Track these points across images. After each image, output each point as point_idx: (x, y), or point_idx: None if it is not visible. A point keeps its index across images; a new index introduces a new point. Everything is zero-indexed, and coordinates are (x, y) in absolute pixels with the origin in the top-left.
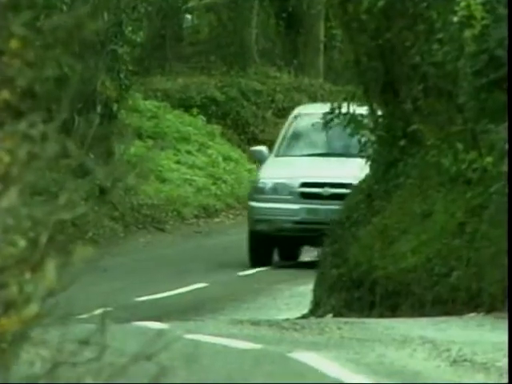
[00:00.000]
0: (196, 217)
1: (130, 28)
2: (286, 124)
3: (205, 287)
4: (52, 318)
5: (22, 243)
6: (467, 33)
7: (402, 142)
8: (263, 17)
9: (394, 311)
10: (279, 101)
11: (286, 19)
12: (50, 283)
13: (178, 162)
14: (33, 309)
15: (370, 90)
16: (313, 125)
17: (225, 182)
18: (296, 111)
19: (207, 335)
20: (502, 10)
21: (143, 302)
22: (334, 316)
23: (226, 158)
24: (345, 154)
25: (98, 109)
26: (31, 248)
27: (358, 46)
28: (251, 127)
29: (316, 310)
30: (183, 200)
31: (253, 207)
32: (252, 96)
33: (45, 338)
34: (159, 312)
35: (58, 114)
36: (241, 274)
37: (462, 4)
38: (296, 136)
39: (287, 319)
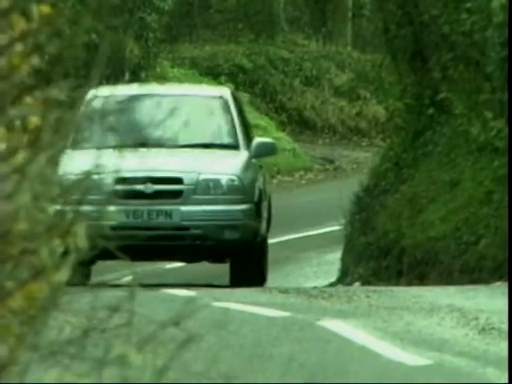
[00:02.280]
0: None
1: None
2: (80, 112)
3: None
4: (82, 284)
5: (52, 209)
6: (495, 3)
7: (431, 111)
8: None
9: (421, 280)
10: (307, 69)
11: None
12: (80, 249)
13: None
14: (63, 275)
15: (397, 58)
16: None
17: None
18: (89, 95)
19: (235, 303)
20: None
21: (171, 269)
22: (362, 284)
23: (254, 126)
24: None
25: (126, 76)
26: (61, 214)
27: (386, 14)
28: (279, 95)
29: (344, 278)
30: None
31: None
32: (280, 64)
33: (74, 305)
34: (186, 279)
35: (87, 81)
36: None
37: None
38: (98, 124)
39: (315, 287)
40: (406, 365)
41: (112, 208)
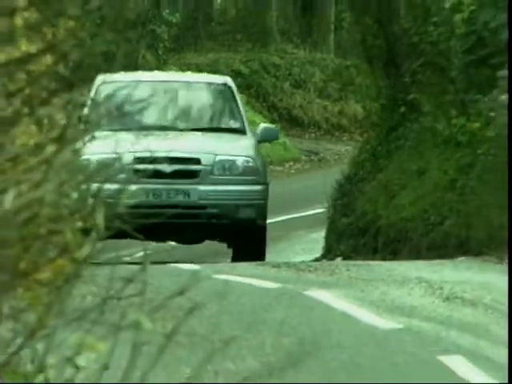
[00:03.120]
0: None
1: (167, 10)
2: (91, 95)
3: None
4: (101, 259)
5: (75, 195)
6: (457, 17)
7: (402, 110)
8: (282, 1)
9: (394, 255)
10: (295, 74)
11: (301, 3)
12: (99, 230)
13: None
14: (84, 252)
15: (373, 64)
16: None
17: None
18: (99, 79)
19: (234, 276)
20: None
21: (177, 246)
22: (343, 259)
23: (251, 123)
24: (177, 128)
25: None
26: (83, 199)
27: (364, 27)
28: (271, 96)
29: (327, 254)
30: None
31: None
32: (272, 69)
33: (95, 277)
34: (192, 255)
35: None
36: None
37: None
38: (109, 108)
39: (303, 262)
40: (380, 328)
41: (132, 187)
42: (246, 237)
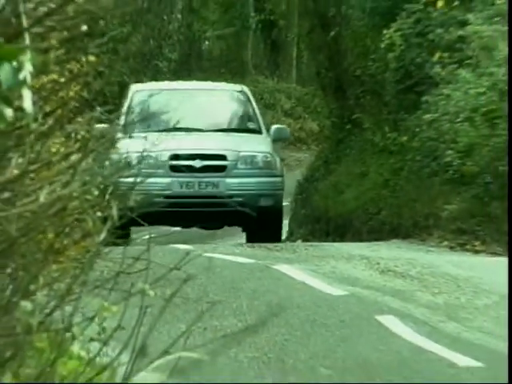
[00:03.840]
0: None
1: (167, 49)
2: (127, 102)
3: None
4: (125, 242)
5: (95, 192)
6: (390, 55)
7: (348, 126)
8: (255, 42)
9: (342, 238)
10: (266, 98)
11: (270, 44)
12: (114, 220)
13: None
14: (102, 236)
15: (326, 91)
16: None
17: None
18: (133, 88)
19: (218, 254)
20: (414, 39)
21: (175, 231)
22: (303, 241)
23: None
24: (203, 129)
25: None
26: (101, 196)
27: (318, 62)
28: None
29: (290, 237)
30: None
31: (118, 182)
32: None
33: (111, 255)
34: (186, 238)
35: (118, 107)
36: None
37: (387, 35)
38: (141, 112)
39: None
40: (331, 294)
41: (168, 180)
42: (265, 222)
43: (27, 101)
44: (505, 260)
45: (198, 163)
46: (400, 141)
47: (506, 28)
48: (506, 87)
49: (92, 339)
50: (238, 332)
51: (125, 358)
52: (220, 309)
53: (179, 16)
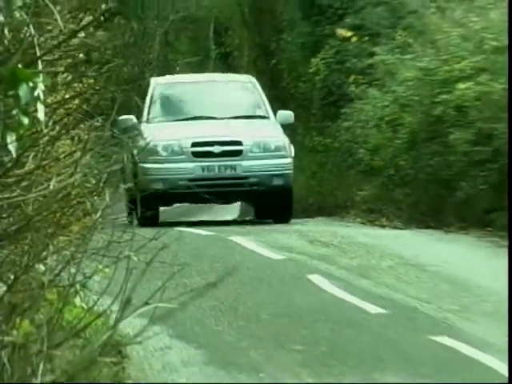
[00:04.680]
0: None
1: (148, 74)
2: (149, 94)
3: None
4: (109, 218)
5: (93, 181)
6: (317, 78)
7: (287, 132)
8: (215, 68)
9: None
10: None
11: (227, 69)
12: (107, 203)
13: None
14: (98, 215)
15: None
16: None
17: None
18: (153, 82)
19: (187, 228)
20: (334, 66)
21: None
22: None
23: None
24: (217, 117)
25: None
26: (97, 184)
27: (262, 83)
28: None
29: (242, 215)
30: None
31: (146, 168)
32: None
33: (104, 229)
34: (183, 211)
35: (110, 117)
36: None
37: (314, 63)
38: (162, 103)
39: (228, 220)
40: (272, 259)
41: (191, 165)
42: (278, 199)
43: (40, 112)
44: (404, 232)
45: (217, 149)
46: (324, 142)
47: (405, 56)
48: (406, 101)
49: (90, 293)
50: (201, 287)
51: (115, 307)
52: (188, 270)
53: (157, 48)
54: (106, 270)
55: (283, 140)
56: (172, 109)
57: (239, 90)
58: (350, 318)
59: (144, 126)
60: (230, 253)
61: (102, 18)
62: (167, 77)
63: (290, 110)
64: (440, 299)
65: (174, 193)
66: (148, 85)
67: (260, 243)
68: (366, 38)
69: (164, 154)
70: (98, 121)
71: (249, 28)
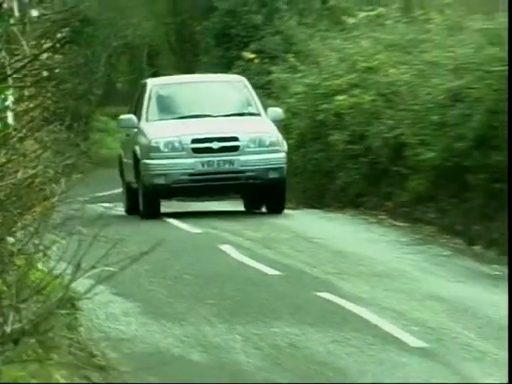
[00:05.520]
0: None
1: (95, 88)
2: (147, 94)
3: None
4: (64, 201)
5: (52, 172)
6: None
7: None
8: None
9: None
10: None
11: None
12: (62, 189)
13: None
14: (56, 198)
15: None
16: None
17: None
18: (150, 83)
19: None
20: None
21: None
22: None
23: None
24: (212, 115)
25: (82, 120)
26: (55, 175)
27: None
28: None
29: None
30: None
31: (149, 164)
32: None
33: (60, 209)
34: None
35: (65, 122)
36: None
37: None
38: (160, 103)
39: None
40: (191, 232)
41: (191, 160)
42: (273, 191)
43: (10, 118)
44: (296, 212)
45: (215, 145)
46: None
47: (295, 75)
48: (296, 110)
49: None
50: (137, 255)
51: (69, 270)
52: (127, 241)
53: (102, 68)
54: (63, 241)
55: (277, 136)
56: (169, 108)
57: (231, 89)
58: (252, 279)
59: (144, 124)
60: (160, 229)
61: (59, 45)
62: (162, 78)
63: None
64: (323, 264)
65: (175, 187)
66: (143, 88)
67: (183, 220)
68: (266, 59)
69: (165, 150)
70: (55, 126)
71: (174, 52)
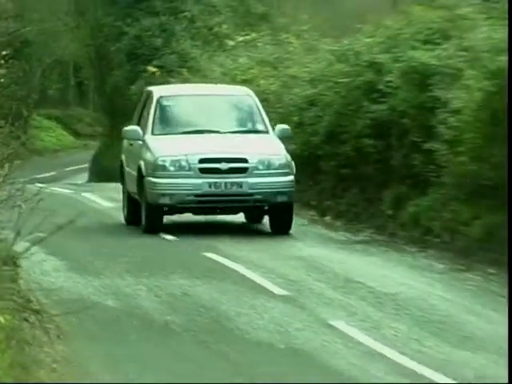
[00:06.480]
0: None
1: (32, 94)
2: (153, 106)
3: None
4: (7, 182)
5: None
6: (134, 97)
7: (115, 133)
8: (74, 91)
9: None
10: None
11: (81, 91)
12: (6, 172)
13: None
14: (0, 180)
15: (107, 114)
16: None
17: None
18: (157, 93)
19: (59, 188)
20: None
21: (39, 177)
22: None
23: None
24: (220, 131)
25: (22, 119)
26: (0, 161)
27: (102, 100)
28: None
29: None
30: None
31: (154, 182)
32: None
33: (4, 188)
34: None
35: (8, 120)
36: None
37: (132, 89)
38: (166, 115)
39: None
40: (104, 205)
41: (198, 181)
42: (280, 214)
43: None
44: None
45: (224, 166)
46: None
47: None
48: None
49: None
50: (64, 223)
51: (11, 236)
52: (57, 214)
53: (38, 78)
54: (6, 213)
55: (286, 157)
56: (176, 121)
57: (239, 103)
58: (155, 244)
59: (149, 138)
60: (80, 203)
61: (3, 61)
62: (168, 87)
63: (119, 118)
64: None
65: (180, 207)
66: (148, 97)
67: (100, 197)
68: (165, 73)
69: (171, 169)
70: (0, 122)
71: (94, 67)
